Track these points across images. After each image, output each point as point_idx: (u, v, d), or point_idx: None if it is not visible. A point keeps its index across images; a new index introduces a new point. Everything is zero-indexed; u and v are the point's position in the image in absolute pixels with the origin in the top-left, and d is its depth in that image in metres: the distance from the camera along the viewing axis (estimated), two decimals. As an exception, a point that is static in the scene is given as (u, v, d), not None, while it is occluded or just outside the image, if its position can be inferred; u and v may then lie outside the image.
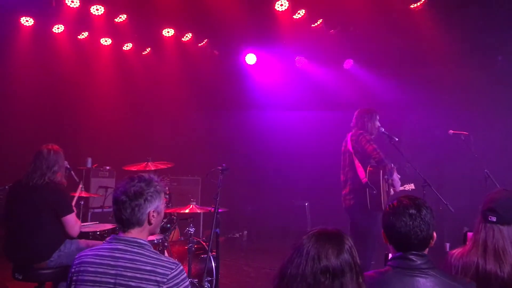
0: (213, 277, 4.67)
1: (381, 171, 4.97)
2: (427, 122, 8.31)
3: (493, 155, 7.43)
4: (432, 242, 2.35)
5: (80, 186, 4.86)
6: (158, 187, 2.40)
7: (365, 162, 5.08)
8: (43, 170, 3.94)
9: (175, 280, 2.19)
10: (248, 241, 9.52)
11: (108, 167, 7.38)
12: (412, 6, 6.75)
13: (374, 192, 4.84)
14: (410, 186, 6.69)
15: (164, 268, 2.19)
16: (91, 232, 4.51)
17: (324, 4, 7.02)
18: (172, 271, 2.20)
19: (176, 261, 2.30)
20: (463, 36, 7.08)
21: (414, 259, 2.26)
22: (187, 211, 4.58)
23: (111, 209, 5.72)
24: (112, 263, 2.19)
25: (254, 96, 9.49)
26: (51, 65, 8.32)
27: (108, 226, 4.74)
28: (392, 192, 5.42)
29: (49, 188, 3.91)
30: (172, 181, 8.86)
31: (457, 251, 2.80)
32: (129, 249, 2.24)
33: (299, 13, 7.53)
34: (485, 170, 5.74)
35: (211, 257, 4.75)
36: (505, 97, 7.64)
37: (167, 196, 5.16)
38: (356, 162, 5.09)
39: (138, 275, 2.15)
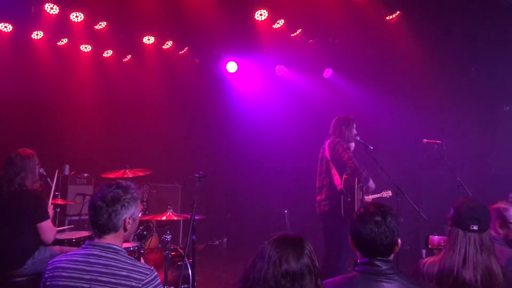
0: (189, 284, 4.69)
1: (356, 179, 5.06)
2: (403, 131, 8.46)
3: (466, 163, 7.63)
4: (397, 248, 2.42)
5: (54, 192, 4.82)
6: (135, 194, 2.44)
7: (341, 169, 5.17)
8: (10, 176, 3.90)
9: (149, 285, 2.22)
10: (227, 248, 9.53)
11: (86, 174, 7.35)
12: (387, 18, 6.90)
13: (349, 199, 4.93)
14: (387, 193, 6.83)
15: (139, 274, 2.22)
16: (67, 239, 4.48)
17: (303, 15, 7.14)
18: (147, 276, 2.23)
19: (151, 267, 2.34)
20: (437, 47, 7.26)
21: (380, 264, 2.33)
22: (164, 218, 4.59)
23: (88, 217, 5.68)
24: (87, 268, 2.21)
25: (234, 104, 9.55)
26: (30, 71, 8.26)
27: (84, 233, 4.72)
28: (366, 199, 5.53)
29: (25, 194, 3.88)
30: (151, 188, 8.83)
31: (429, 259, 2.87)
32: (104, 254, 2.27)
33: (278, 23, 7.63)
34: (457, 178, 5.90)
35: (188, 264, 4.78)
36: (478, 106, 7.85)
37: (145, 204, 5.16)
38: (333, 169, 5.18)
39: (113, 280, 2.18)
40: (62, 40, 8.42)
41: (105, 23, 7.88)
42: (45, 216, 3.92)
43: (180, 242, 9.04)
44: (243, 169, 9.47)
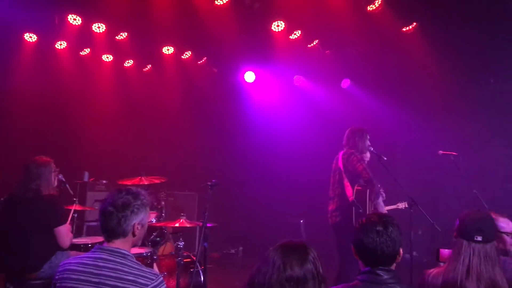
0: (202, 290, 4.78)
1: (368, 191, 5.09)
2: (420, 143, 8.42)
3: (485, 175, 7.55)
4: (399, 258, 2.47)
5: (72, 198, 4.98)
6: (144, 200, 2.52)
7: (354, 181, 5.20)
8: (26, 182, 4.04)
9: None
10: (243, 257, 9.59)
11: (104, 181, 7.51)
12: (404, 29, 6.93)
13: (360, 210, 4.96)
14: (403, 205, 6.83)
15: (145, 279, 2.30)
16: (83, 244, 4.62)
17: (319, 25, 7.21)
18: (153, 281, 2.30)
19: (157, 273, 2.42)
20: (455, 58, 7.24)
21: (381, 274, 2.38)
22: (177, 225, 4.69)
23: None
24: (95, 271, 2.30)
25: (251, 113, 9.65)
26: (53, 80, 8.51)
27: (100, 238, 4.85)
28: (381, 210, 5.54)
29: (41, 200, 4.01)
30: (168, 196, 8.94)
31: (434, 270, 2.91)
32: (112, 259, 2.35)
33: (295, 34, 7.73)
34: (474, 191, 5.86)
35: (200, 271, 4.86)
36: (497, 118, 7.77)
37: (160, 210, 5.27)
38: (345, 180, 5.22)
39: (119, 284, 2.26)
40: (84, 50, 8.67)
41: (126, 33, 8.10)
42: (62, 221, 4.05)
43: (196, 250, 9.14)
44: (260, 178, 9.51)
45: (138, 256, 4.26)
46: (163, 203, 7.89)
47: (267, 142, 9.46)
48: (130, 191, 2.48)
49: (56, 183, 4.35)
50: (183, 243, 4.60)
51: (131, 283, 2.26)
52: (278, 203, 9.53)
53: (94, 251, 2.40)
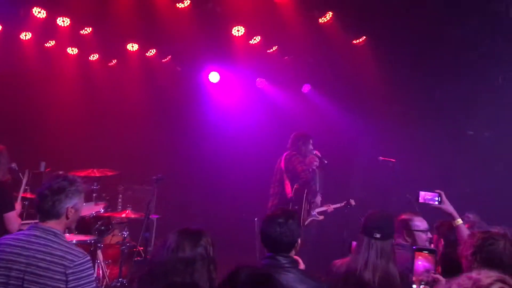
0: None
1: (306, 191, 5.55)
2: (370, 149, 8.90)
3: (427, 183, 8.07)
4: (298, 247, 2.90)
5: (25, 187, 5.25)
6: (79, 187, 2.82)
7: (294, 180, 5.65)
8: None
9: (80, 267, 2.61)
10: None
11: (61, 172, 7.71)
12: (354, 41, 7.41)
13: (296, 207, 5.41)
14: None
15: (72, 255, 2.62)
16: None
17: (277, 33, 7.60)
18: (80, 259, 2.63)
19: (85, 252, 2.75)
20: (405, 71, 7.75)
21: (280, 259, 2.80)
22: (123, 215, 5.03)
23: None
24: (27, 246, 2.61)
25: (213, 113, 9.98)
26: (15, 69, 8.67)
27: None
28: (313, 212, 6.05)
29: None
30: (126, 190, 9.21)
31: (339, 261, 3.36)
32: (44, 236, 2.66)
33: (255, 39, 8.10)
34: (407, 195, 6.36)
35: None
36: (443, 130, 8.31)
37: (108, 201, 5.58)
38: (286, 179, 5.66)
39: (48, 258, 2.57)
40: (49, 42, 8.85)
41: (90, 28, 8.33)
42: (11, 207, 4.33)
43: (152, 243, 9.47)
44: (218, 177, 9.84)
45: (82, 243, 4.57)
46: (120, 195, 8.23)
47: (226, 141, 9.78)
48: (67, 178, 2.81)
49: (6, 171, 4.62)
50: (127, 233, 4.93)
51: (59, 258, 2.58)
52: (234, 201, 9.89)
53: (29, 229, 2.73)
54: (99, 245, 4.90)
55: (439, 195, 3.69)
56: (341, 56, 7.75)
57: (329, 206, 6.35)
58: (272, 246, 2.83)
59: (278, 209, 2.91)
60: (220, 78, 9.75)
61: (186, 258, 2.29)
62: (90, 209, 5.37)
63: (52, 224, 2.73)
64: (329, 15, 6.76)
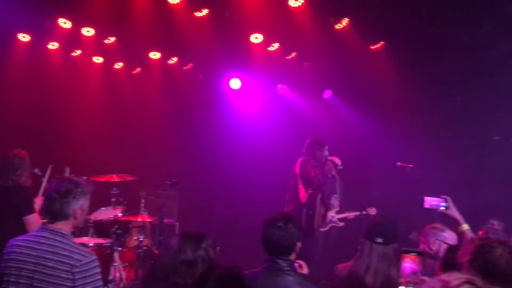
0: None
1: (319, 195, 5.59)
2: (391, 155, 8.85)
3: (450, 191, 7.95)
4: (297, 250, 2.95)
5: (46, 183, 5.45)
6: (85, 188, 2.97)
7: (308, 185, 5.70)
8: (8, 173, 4.54)
9: (86, 266, 2.74)
10: (220, 256, 9.97)
11: (85, 177, 7.95)
12: (372, 47, 7.41)
13: (310, 212, 5.45)
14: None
15: (79, 255, 2.75)
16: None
17: (295, 39, 7.67)
18: (86, 258, 2.76)
19: (92, 252, 2.89)
20: (425, 76, 7.69)
21: (280, 262, 2.86)
22: (139, 219, 5.17)
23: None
24: (35, 246, 2.76)
25: (234, 119, 10.10)
26: (44, 78, 8.98)
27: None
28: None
29: (13, 190, 4.49)
30: (149, 195, 9.40)
31: (341, 266, 3.40)
32: (53, 237, 2.80)
33: (273, 46, 8.20)
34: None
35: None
36: (466, 136, 8.20)
37: (126, 205, 5.73)
38: (299, 184, 5.72)
39: (55, 258, 2.71)
40: (75, 51, 9.16)
41: (113, 38, 8.59)
42: (31, 210, 4.53)
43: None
44: (240, 181, 9.89)
45: (98, 246, 4.73)
46: (142, 200, 8.43)
47: (247, 147, 9.85)
48: (73, 180, 2.97)
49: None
50: (143, 236, 5.07)
51: (66, 257, 2.72)
52: (257, 206, 9.96)
53: (38, 231, 2.88)
54: (116, 248, 5.05)
55: (445, 200, 3.68)
56: (359, 62, 7.76)
57: (350, 213, 6.38)
58: (272, 250, 2.90)
59: (278, 213, 2.97)
60: (241, 84, 9.87)
61: (188, 260, 2.39)
62: (108, 213, 5.55)
63: (60, 225, 2.87)
64: (345, 21, 6.80)
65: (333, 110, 9.70)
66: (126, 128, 9.85)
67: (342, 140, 9.19)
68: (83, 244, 4.66)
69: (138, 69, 9.86)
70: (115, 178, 5.82)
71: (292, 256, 2.94)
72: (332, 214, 6.68)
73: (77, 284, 2.70)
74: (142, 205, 8.72)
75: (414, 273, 2.39)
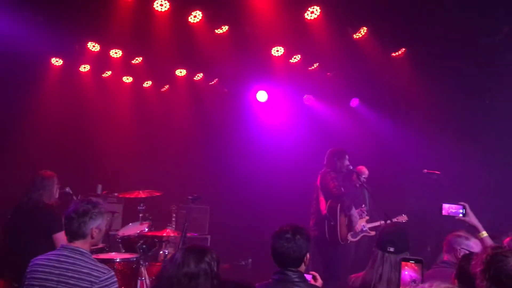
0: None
1: (339, 206, 5.59)
2: (425, 162, 8.73)
3: (481, 196, 7.78)
4: (306, 262, 3.00)
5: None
6: (102, 209, 3.16)
7: (328, 197, 5.71)
8: (30, 192, 4.75)
9: (105, 282, 2.90)
10: (252, 268, 10.08)
11: (116, 194, 8.22)
12: (393, 54, 7.38)
13: (332, 223, 5.46)
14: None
15: (98, 272, 2.91)
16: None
17: (316, 50, 7.71)
18: (104, 275, 2.92)
19: (109, 268, 3.03)
20: (448, 80, 7.60)
21: (289, 274, 2.93)
22: (165, 234, 5.31)
23: (115, 232, 6.56)
24: (56, 265, 2.93)
25: (262, 132, 10.22)
26: (77, 99, 9.35)
27: (98, 245, 5.52)
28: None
29: (40, 208, 4.69)
30: (180, 209, 9.60)
31: (355, 276, 3.44)
32: (72, 255, 2.98)
33: (295, 58, 8.27)
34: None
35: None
36: (495, 139, 8.02)
37: (151, 220, 5.89)
38: (320, 196, 5.75)
39: (76, 276, 2.88)
40: (106, 72, 9.50)
41: (140, 58, 8.87)
42: (60, 228, 4.71)
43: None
44: (269, 194, 9.99)
45: (125, 261, 4.88)
46: (174, 215, 8.61)
47: (275, 159, 9.95)
48: (91, 201, 3.13)
49: (57, 195, 5.03)
50: (167, 250, 5.20)
51: (86, 275, 2.89)
52: (286, 219, 9.98)
53: (59, 250, 3.05)
54: (143, 262, 5.20)
55: (464, 207, 3.66)
56: (382, 69, 7.76)
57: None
58: (281, 261, 2.96)
59: (287, 225, 3.03)
60: (267, 97, 9.99)
61: (190, 272, 2.47)
62: (136, 229, 5.72)
63: (79, 244, 3.05)
64: (364, 30, 6.81)
65: (361, 118, 9.69)
66: (156, 144, 10.14)
67: (372, 148, 9.17)
68: (110, 260, 4.85)
69: (166, 87, 10.12)
70: (141, 194, 6.00)
71: (302, 267, 2.98)
72: (363, 224, 6.70)
73: None
74: (173, 219, 8.98)
75: (414, 281, 2.39)
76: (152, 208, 6.82)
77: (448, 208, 3.72)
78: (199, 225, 10.07)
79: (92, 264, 2.96)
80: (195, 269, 2.50)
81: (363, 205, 6.38)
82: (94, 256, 4.91)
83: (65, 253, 2.99)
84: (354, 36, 6.90)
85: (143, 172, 9.25)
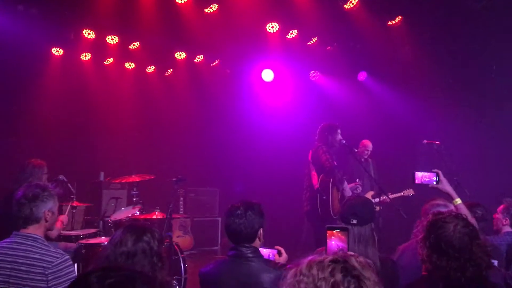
0: (181, 276, 5.45)
1: (331, 179, 5.54)
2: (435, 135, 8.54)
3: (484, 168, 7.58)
4: (260, 237, 2.99)
5: (71, 196, 5.82)
6: (52, 192, 3.17)
7: (320, 171, 5.66)
8: (19, 180, 4.87)
9: (59, 267, 2.91)
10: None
11: (118, 180, 8.33)
12: (389, 23, 7.19)
13: (324, 198, 5.42)
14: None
15: (50, 257, 2.92)
16: (74, 235, 5.43)
17: (311, 24, 7.58)
18: (58, 259, 2.92)
19: (63, 253, 3.03)
20: (449, 47, 7.37)
21: (243, 250, 2.93)
22: (154, 217, 5.39)
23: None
24: (9, 252, 2.95)
25: (267, 111, 10.16)
26: (81, 88, 9.47)
27: (92, 230, 5.66)
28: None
29: None
30: (188, 192, 9.70)
31: (320, 249, 3.40)
32: (24, 242, 2.99)
33: (291, 33, 8.17)
34: (454, 178, 6.09)
35: (180, 258, 5.53)
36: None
37: (142, 204, 5.96)
38: (312, 171, 5.70)
39: (28, 262, 2.90)
40: (107, 59, 9.59)
41: (138, 43, 8.91)
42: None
43: (219, 242, 9.90)
44: (275, 176, 9.94)
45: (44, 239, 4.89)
46: (181, 198, 8.70)
47: (285, 138, 9.85)
48: (38, 185, 3.16)
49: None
50: (171, 232, 5.26)
51: (38, 260, 2.91)
52: (296, 198, 9.95)
53: (11, 237, 3.08)
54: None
55: (437, 175, 3.57)
56: (381, 40, 7.56)
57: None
58: (234, 238, 2.96)
59: (238, 201, 3.02)
60: (273, 75, 9.89)
61: (127, 251, 2.49)
62: (127, 213, 5.82)
63: (32, 230, 3.06)
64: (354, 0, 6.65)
65: (369, 92, 9.53)
66: (160, 129, 10.23)
67: (381, 122, 9.03)
68: (98, 244, 4.96)
69: (170, 71, 10.15)
70: (135, 178, 6.09)
71: (256, 243, 2.98)
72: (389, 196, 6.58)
73: (50, 284, 2.88)
74: (181, 203, 9.09)
75: (341, 250, 2.35)
76: (160, 192, 6.93)
77: (421, 177, 3.64)
78: (209, 208, 10.18)
79: (44, 249, 2.97)
80: (132, 248, 2.51)
81: (357, 180, 6.27)
82: (84, 241, 5.12)
83: (17, 240, 3.01)
84: (345, 6, 6.73)
85: (148, 158, 9.35)
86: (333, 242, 2.39)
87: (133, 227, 2.63)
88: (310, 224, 5.83)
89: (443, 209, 3.77)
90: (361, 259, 1.57)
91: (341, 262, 1.51)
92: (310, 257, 1.57)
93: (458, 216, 2.54)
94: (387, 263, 3.16)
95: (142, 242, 2.54)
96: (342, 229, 2.41)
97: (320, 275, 1.47)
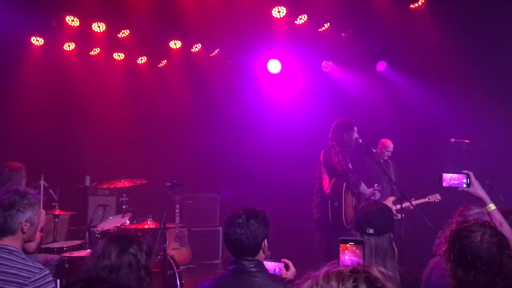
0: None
1: (344, 184, 5.51)
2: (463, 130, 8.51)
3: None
4: (265, 249, 2.98)
5: (52, 203, 5.84)
6: (32, 199, 3.11)
7: (333, 174, 5.63)
8: None
9: (37, 283, 2.87)
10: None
11: (105, 185, 8.33)
12: (412, 6, 7.17)
13: (336, 204, 5.39)
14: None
15: (28, 272, 2.89)
16: (57, 248, 5.44)
17: (322, 8, 7.57)
18: (36, 275, 2.89)
19: (42, 267, 2.99)
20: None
21: (245, 263, 2.91)
22: (146, 226, 5.39)
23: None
24: None
25: (274, 108, 10.13)
26: (63, 82, 9.46)
27: (76, 242, 5.67)
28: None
29: None
30: (185, 199, 9.67)
31: (333, 262, 3.40)
32: None
33: (301, 18, 8.16)
34: (487, 181, 6.05)
35: (176, 273, 5.54)
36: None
37: (133, 212, 5.97)
38: (324, 173, 5.67)
39: (2, 277, 2.86)
40: (94, 50, 9.59)
41: (127, 31, 8.92)
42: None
43: (220, 255, 9.86)
44: (282, 175, 9.91)
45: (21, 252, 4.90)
46: (177, 206, 8.67)
47: (294, 135, 9.83)
48: (17, 191, 3.11)
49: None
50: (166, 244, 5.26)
51: (13, 276, 2.87)
52: (306, 201, 9.92)
53: None
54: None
55: (468, 177, 3.54)
56: (399, 25, 7.52)
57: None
58: (235, 250, 2.94)
59: (240, 208, 3.01)
60: (280, 67, 9.86)
61: (110, 265, 2.48)
62: (116, 222, 5.82)
63: (8, 242, 3.02)
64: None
65: (389, 84, 9.48)
66: (152, 128, 10.21)
67: (403, 118, 8.97)
68: (83, 258, 4.95)
69: (164, 62, 10.15)
70: (124, 183, 6.10)
71: (260, 255, 2.97)
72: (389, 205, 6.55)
73: None
74: (177, 211, 9.07)
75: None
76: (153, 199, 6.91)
77: (449, 179, 3.61)
78: (208, 216, 10.12)
79: (21, 263, 2.94)
80: (117, 261, 2.49)
81: (376, 185, 6.23)
82: (68, 254, 5.12)
83: None
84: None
85: (139, 160, 9.34)
86: (346, 257, 2.37)
87: (118, 237, 2.62)
88: (320, 233, 5.81)
89: (477, 216, 3.75)
90: (382, 269, 1.56)
91: (362, 273, 1.50)
92: (325, 268, 1.56)
93: (485, 224, 2.51)
94: (408, 278, 3.14)
95: (127, 255, 2.52)
96: (356, 242, 2.39)
97: (341, 287, 1.46)
